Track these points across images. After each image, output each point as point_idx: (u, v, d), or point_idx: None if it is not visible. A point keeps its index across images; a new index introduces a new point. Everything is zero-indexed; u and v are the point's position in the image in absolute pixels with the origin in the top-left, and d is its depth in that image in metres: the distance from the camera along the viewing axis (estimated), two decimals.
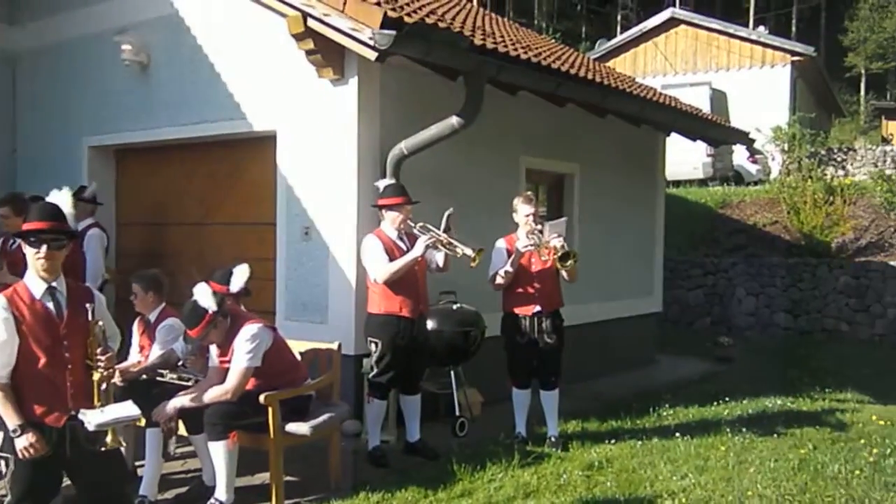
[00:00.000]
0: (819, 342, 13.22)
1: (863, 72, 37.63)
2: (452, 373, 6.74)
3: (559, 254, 5.96)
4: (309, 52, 6.34)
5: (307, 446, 5.40)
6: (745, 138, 10.95)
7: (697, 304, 14.95)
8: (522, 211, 6.23)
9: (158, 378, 5.24)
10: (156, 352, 5.39)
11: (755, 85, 25.96)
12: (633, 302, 10.28)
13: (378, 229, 5.94)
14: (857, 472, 5.74)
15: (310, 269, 6.75)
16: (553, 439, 6.33)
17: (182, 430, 5.13)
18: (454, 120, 6.24)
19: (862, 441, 6.61)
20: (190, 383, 5.13)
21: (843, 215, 14.89)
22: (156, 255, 7.97)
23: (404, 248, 5.81)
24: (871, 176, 17.16)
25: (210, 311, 4.74)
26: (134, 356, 5.64)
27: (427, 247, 5.68)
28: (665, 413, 7.59)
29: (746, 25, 31.71)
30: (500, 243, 6.33)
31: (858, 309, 13.48)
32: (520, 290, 6.30)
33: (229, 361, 4.87)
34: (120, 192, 8.62)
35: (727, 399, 8.22)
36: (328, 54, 6.31)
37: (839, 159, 20.66)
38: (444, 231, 5.80)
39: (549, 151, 8.70)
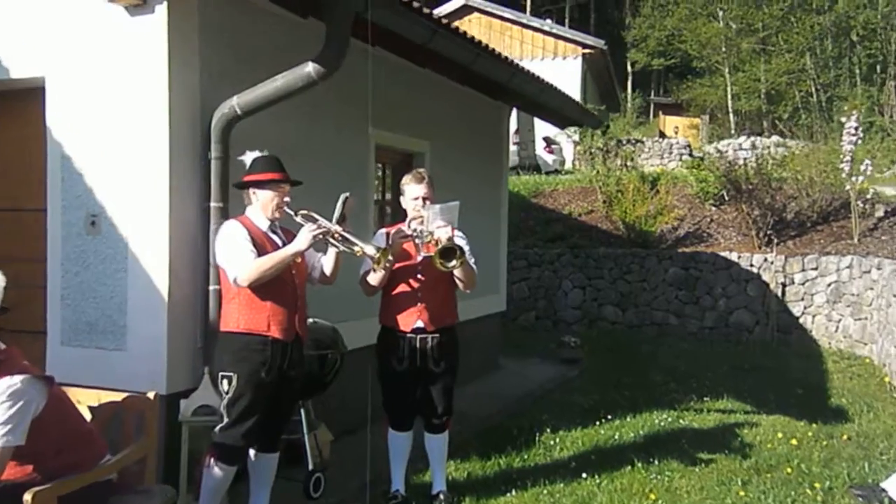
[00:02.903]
0: (652, 337, 12.65)
1: (630, 69, 39.25)
2: (302, 410, 5.04)
3: (440, 247, 4.40)
4: None
5: None
6: (595, 120, 9.99)
7: (522, 297, 14.02)
8: (410, 193, 4.64)
9: None
10: None
11: (548, 76, 25.91)
12: (482, 301, 8.96)
13: (243, 216, 4.13)
14: None
15: (99, 273, 4.76)
16: (442, 497, 4.81)
17: None
18: (310, 68, 4.53)
19: (789, 471, 5.65)
20: None
21: (667, 205, 14.58)
22: None
23: (279, 243, 4.06)
24: (686, 165, 17.21)
25: None
26: None
27: (314, 238, 3.96)
28: (551, 441, 6.31)
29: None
30: (381, 233, 4.72)
31: (688, 301, 13.06)
32: (397, 296, 4.69)
33: None
34: None
35: (609, 416, 7.12)
36: None
37: (628, 151, 20.91)
38: (338, 222, 4.11)
39: (399, 126, 7.11)
